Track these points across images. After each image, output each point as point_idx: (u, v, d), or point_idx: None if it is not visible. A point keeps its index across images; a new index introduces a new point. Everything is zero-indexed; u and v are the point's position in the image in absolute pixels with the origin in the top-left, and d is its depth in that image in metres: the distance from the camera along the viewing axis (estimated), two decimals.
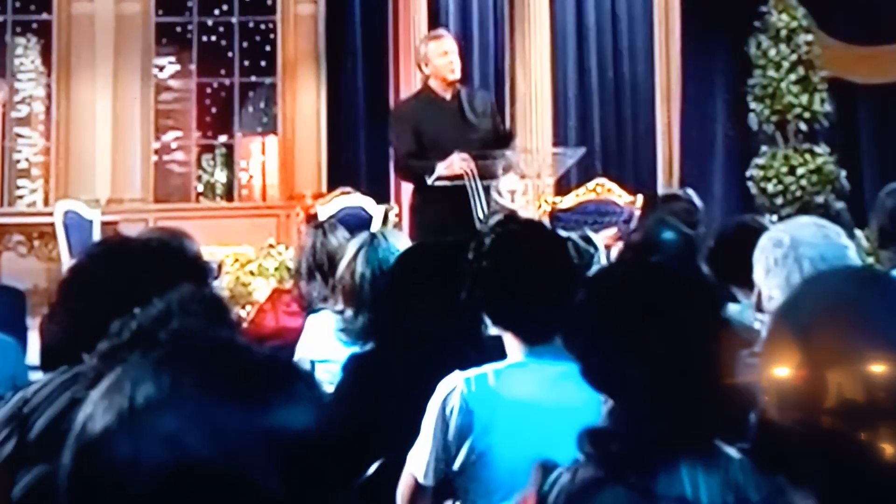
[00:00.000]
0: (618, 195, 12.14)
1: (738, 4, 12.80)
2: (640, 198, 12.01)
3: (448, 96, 8.28)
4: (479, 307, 3.53)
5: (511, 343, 3.47)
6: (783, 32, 12.35)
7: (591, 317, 2.64)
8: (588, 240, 5.44)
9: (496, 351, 3.58)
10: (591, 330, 2.62)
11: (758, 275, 3.66)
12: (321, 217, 11.48)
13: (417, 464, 3.39)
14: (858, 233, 11.48)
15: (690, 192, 8.80)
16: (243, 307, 9.72)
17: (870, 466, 1.74)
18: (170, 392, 1.33)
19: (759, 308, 3.67)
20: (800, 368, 1.79)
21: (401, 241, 5.10)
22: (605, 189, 12.17)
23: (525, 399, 3.35)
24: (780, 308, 1.92)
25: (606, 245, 11.57)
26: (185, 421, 1.31)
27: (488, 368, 3.39)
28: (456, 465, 3.35)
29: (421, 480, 3.39)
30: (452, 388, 3.34)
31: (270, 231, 13.83)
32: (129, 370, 1.39)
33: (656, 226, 4.82)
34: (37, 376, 5.52)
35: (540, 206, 11.92)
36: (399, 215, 12.82)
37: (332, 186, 13.75)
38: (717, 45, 13.18)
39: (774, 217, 12.05)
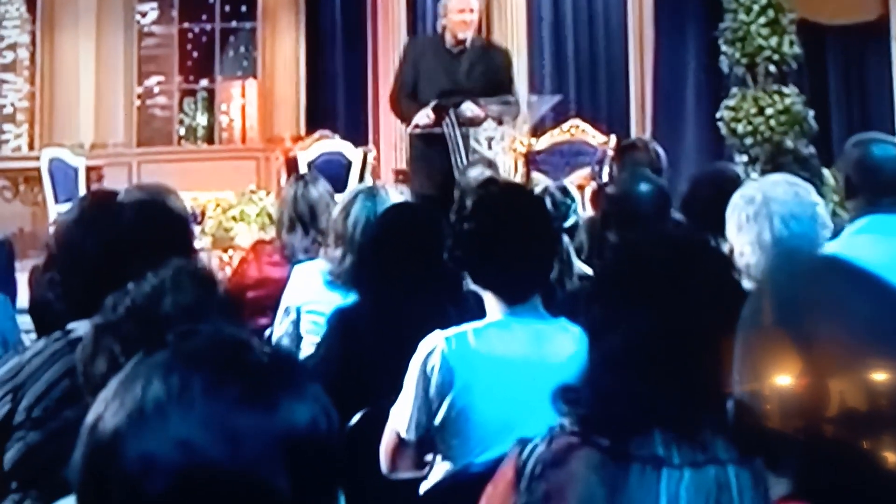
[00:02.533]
0: (591, 136, 12.13)
1: None
2: (612, 138, 12.00)
3: (455, 50, 8.31)
4: (460, 267, 3.54)
5: (490, 302, 3.47)
6: None
7: (607, 270, 2.62)
8: (565, 191, 5.44)
9: (475, 306, 3.60)
10: (603, 278, 2.61)
11: (730, 231, 3.66)
12: (301, 162, 11.49)
13: (400, 420, 3.41)
14: (826, 172, 11.50)
15: (647, 139, 8.83)
16: (225, 251, 9.73)
17: (873, 475, 1.73)
18: (179, 394, 1.34)
19: None
20: (801, 377, 1.78)
21: (398, 199, 5.14)
22: (579, 130, 12.17)
23: (504, 357, 3.37)
24: (776, 313, 1.89)
25: (580, 185, 11.67)
26: (195, 423, 1.32)
27: (468, 327, 3.40)
28: (437, 421, 3.37)
29: (404, 435, 3.42)
30: (433, 346, 3.36)
31: (250, 173, 13.85)
32: (139, 370, 1.39)
33: (631, 178, 4.82)
34: (24, 319, 5.54)
35: (515, 149, 11.91)
36: (377, 158, 12.79)
37: (310, 129, 13.73)
38: None
39: (744, 157, 12.10)
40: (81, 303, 2.98)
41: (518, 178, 11.82)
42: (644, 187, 4.72)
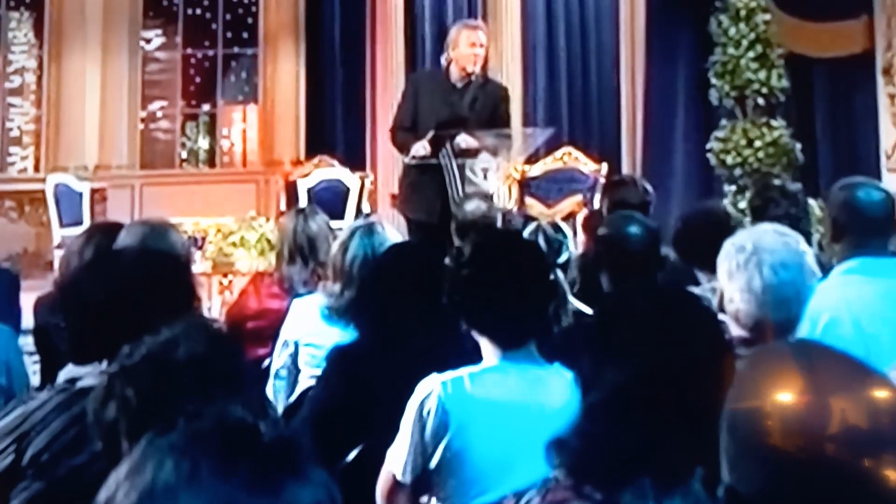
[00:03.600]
0: (583, 163, 12.21)
1: None
2: (604, 166, 12.05)
3: (460, 84, 8.36)
4: (457, 312, 3.53)
5: (487, 347, 3.47)
6: (742, 12, 12.34)
7: (596, 322, 2.64)
8: (557, 227, 5.45)
9: (473, 347, 3.58)
10: (591, 330, 2.62)
11: (721, 278, 3.66)
12: (301, 189, 11.54)
13: (396, 462, 3.41)
14: (813, 203, 11.53)
15: (635, 175, 8.86)
16: (225, 275, 9.74)
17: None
18: (188, 477, 1.36)
19: (720, 308, 3.67)
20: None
21: (395, 235, 5.15)
22: (571, 158, 12.26)
23: (499, 401, 3.36)
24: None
25: (572, 212, 11.69)
26: None
27: (464, 371, 3.40)
28: (433, 464, 3.36)
29: (399, 478, 3.41)
30: (430, 390, 3.35)
31: (251, 195, 13.89)
32: (149, 451, 1.42)
33: (622, 221, 4.83)
34: (27, 341, 5.52)
35: (510, 175, 11.94)
36: (374, 182, 12.81)
37: (310, 153, 13.80)
38: (679, 24, 13.16)
39: (733, 187, 12.12)
40: (86, 348, 3.00)
41: (512, 204, 11.86)
42: (634, 229, 4.74)
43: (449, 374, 3.38)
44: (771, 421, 1.79)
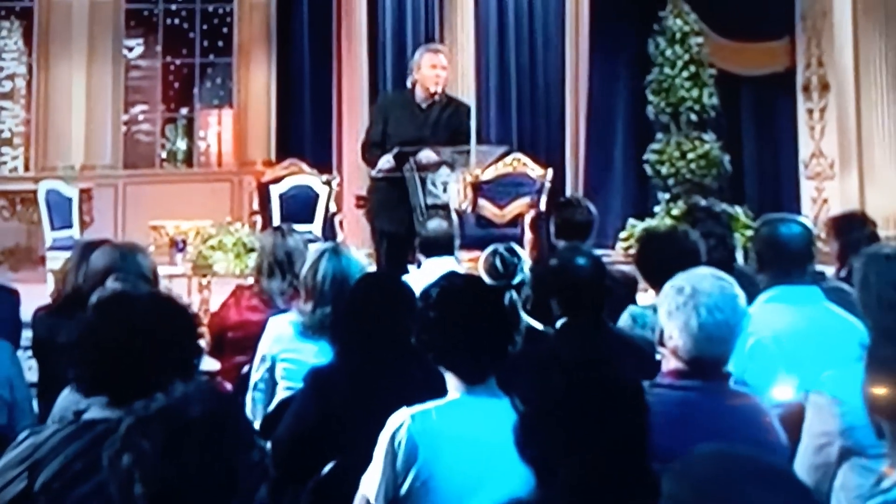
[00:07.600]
0: (531, 169, 12.26)
1: (640, 9, 12.87)
2: (550, 171, 12.14)
3: (424, 105, 8.43)
4: (425, 349, 3.60)
5: (451, 381, 3.54)
6: (678, 35, 12.41)
7: (535, 410, 2.72)
8: (512, 251, 5.52)
9: (439, 375, 3.65)
10: (531, 421, 2.70)
11: (661, 316, 3.74)
12: (273, 195, 11.61)
13: (370, 488, 3.47)
14: (738, 209, 11.71)
15: (580, 196, 8.99)
16: (204, 276, 9.74)
17: None
18: None
19: (660, 343, 3.76)
20: None
21: (358, 255, 5.24)
22: (520, 164, 12.30)
23: (462, 432, 3.44)
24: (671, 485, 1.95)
25: (520, 213, 11.77)
26: None
27: (431, 405, 3.47)
28: (403, 491, 3.42)
29: (373, 502, 3.47)
30: (401, 423, 3.42)
31: (225, 193, 13.95)
32: None
33: (571, 253, 4.91)
34: (26, 334, 5.53)
35: (464, 179, 11.98)
36: (340, 184, 12.84)
37: (280, 153, 13.84)
38: (620, 45, 13.20)
39: (667, 195, 12.25)
40: (97, 385, 3.05)
41: (467, 205, 11.93)
42: (582, 261, 4.83)
43: (418, 408, 3.46)
44: None
